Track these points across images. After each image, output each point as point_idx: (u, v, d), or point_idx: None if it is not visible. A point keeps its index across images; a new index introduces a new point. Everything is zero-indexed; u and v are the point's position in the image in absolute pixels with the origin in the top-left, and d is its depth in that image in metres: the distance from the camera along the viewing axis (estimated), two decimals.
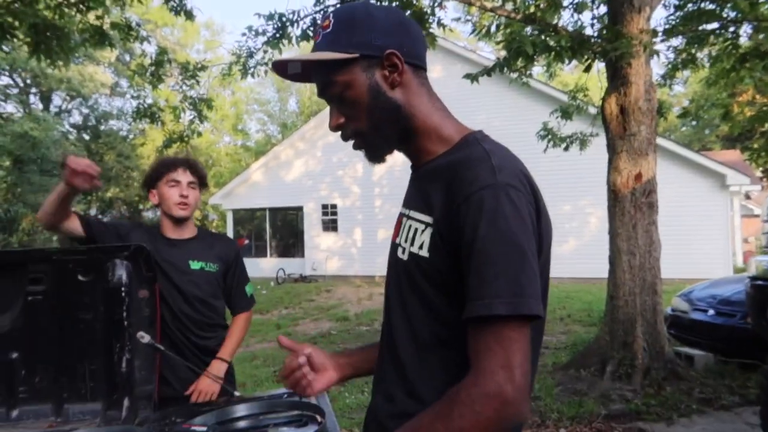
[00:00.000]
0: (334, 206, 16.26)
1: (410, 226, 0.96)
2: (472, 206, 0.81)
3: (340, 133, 1.00)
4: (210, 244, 2.22)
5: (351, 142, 1.01)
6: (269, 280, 15.41)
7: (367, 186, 15.76)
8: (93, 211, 27.13)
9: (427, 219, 0.90)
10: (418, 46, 0.98)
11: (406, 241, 0.96)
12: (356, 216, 15.97)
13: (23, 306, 1.80)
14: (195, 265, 2.14)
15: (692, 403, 4.24)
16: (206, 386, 2.07)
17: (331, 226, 16.32)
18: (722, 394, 4.41)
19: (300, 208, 16.95)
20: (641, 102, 5.00)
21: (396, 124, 0.96)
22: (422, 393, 0.91)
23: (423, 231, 0.91)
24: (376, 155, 1.02)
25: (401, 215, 1.03)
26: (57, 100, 24.15)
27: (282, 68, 0.99)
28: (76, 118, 25.22)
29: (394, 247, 1.02)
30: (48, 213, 1.88)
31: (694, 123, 24.58)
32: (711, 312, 5.42)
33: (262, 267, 16.60)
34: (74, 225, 2.00)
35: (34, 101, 23.20)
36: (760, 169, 16.81)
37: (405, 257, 0.95)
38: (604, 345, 5.12)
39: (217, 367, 2.12)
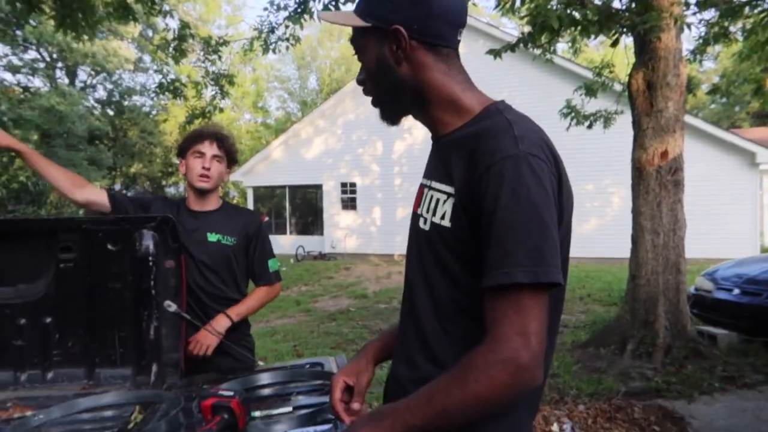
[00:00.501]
0: (353, 184, 16.27)
1: (432, 197, 0.97)
2: (494, 176, 0.82)
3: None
4: (231, 218, 2.22)
5: (365, 94, 1.06)
6: (289, 258, 15.58)
7: (387, 164, 15.71)
8: (117, 187, 27.62)
9: (449, 189, 0.91)
10: (434, 24, 0.95)
11: (427, 211, 0.97)
12: (375, 194, 15.97)
13: (55, 273, 1.85)
14: (212, 237, 2.14)
15: (714, 381, 4.21)
16: (202, 337, 2.05)
17: (350, 204, 16.36)
18: (745, 373, 4.37)
19: (319, 186, 17.00)
20: (669, 77, 4.86)
21: (402, 96, 0.99)
22: (444, 359, 0.93)
23: (445, 201, 0.92)
24: (387, 117, 1.06)
25: (422, 186, 1.04)
26: (82, 75, 24.41)
27: (325, 17, 1.05)
28: (101, 93, 25.49)
29: (416, 217, 1.03)
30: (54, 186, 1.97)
31: (723, 100, 23.86)
32: (736, 291, 5.34)
33: (281, 244, 16.77)
34: (101, 200, 2.05)
35: (60, 76, 23.49)
36: None
37: (426, 227, 0.96)
38: (624, 324, 5.09)
39: (219, 322, 2.10)
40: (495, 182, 0.81)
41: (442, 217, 0.92)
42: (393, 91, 1.00)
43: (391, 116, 1.05)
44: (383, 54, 0.97)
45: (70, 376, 1.89)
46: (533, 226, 0.79)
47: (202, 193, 2.16)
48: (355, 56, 1.04)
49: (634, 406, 3.74)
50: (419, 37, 0.94)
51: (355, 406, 1.08)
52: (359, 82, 1.05)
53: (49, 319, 1.86)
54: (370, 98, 1.06)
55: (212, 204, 2.22)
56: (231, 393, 1.32)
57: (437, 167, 0.99)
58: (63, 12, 5.24)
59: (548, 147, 0.88)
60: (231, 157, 2.21)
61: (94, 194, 2.05)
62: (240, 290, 2.24)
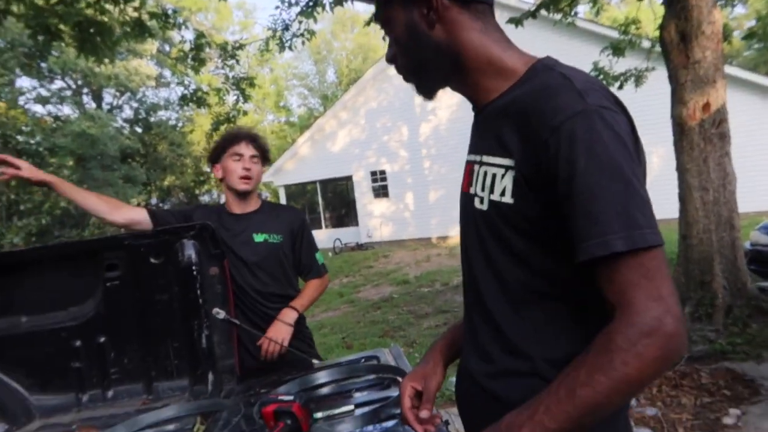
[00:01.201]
0: (383, 172, 16.23)
1: (486, 173, 0.87)
2: (564, 138, 0.73)
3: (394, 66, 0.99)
4: (274, 216, 2.22)
5: (398, 72, 1.00)
6: (326, 251, 15.68)
7: (414, 148, 15.60)
8: (153, 201, 28.33)
9: (507, 162, 0.82)
10: None
11: (483, 189, 0.88)
12: (406, 180, 15.89)
13: (103, 292, 1.86)
14: (259, 237, 2.14)
15: None
16: (276, 330, 2.04)
17: (381, 192, 16.32)
18: None
19: (349, 178, 17.02)
20: (704, 26, 4.60)
21: (440, 63, 0.91)
22: (524, 348, 0.85)
23: (503, 175, 0.82)
24: (423, 91, 0.99)
25: (471, 163, 0.95)
26: (108, 97, 25.03)
27: None
28: (127, 112, 26.10)
29: (468, 198, 0.94)
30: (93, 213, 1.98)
31: (759, 45, 22.74)
32: None
33: (318, 239, 16.51)
34: (142, 218, 2.04)
35: (87, 101, 24.14)
36: None
37: (484, 207, 0.87)
38: (679, 286, 4.89)
39: (288, 314, 2.10)
40: (566, 145, 0.72)
41: (502, 194, 0.83)
42: (428, 60, 0.92)
43: (428, 88, 0.98)
44: (413, 20, 0.90)
45: (130, 392, 1.91)
46: (618, 187, 0.71)
47: (243, 195, 2.16)
48: (384, 33, 0.97)
49: (701, 371, 3.59)
50: None
51: (423, 414, 1.00)
52: (389, 59, 0.98)
53: (103, 338, 1.88)
54: (401, 77, 0.99)
55: (253, 205, 2.21)
56: (291, 397, 1.29)
57: (486, 139, 0.90)
58: (82, 37, 5.34)
59: (615, 97, 0.79)
60: (266, 155, 2.21)
61: (134, 213, 2.05)
62: (293, 286, 2.25)
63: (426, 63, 0.93)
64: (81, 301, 1.88)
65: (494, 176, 0.85)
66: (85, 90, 23.66)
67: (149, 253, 1.89)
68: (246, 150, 2.12)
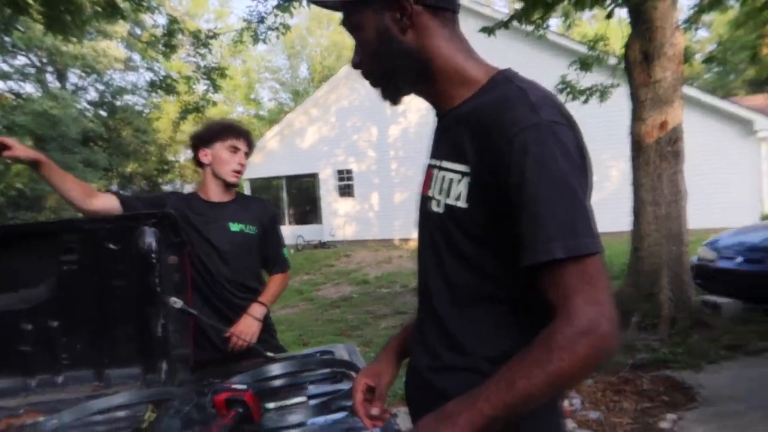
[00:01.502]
0: (349, 171, 16.22)
1: (443, 177, 0.92)
2: (516, 149, 0.77)
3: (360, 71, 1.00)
4: (247, 207, 2.24)
5: (364, 77, 1.01)
6: (288, 248, 15.51)
7: (382, 150, 15.65)
8: (114, 187, 27.52)
9: (463, 168, 0.86)
10: None
11: (440, 192, 0.92)
12: (372, 180, 15.93)
13: (59, 275, 1.84)
14: (235, 227, 2.15)
15: (720, 350, 4.23)
16: (246, 326, 2.08)
17: (347, 191, 16.32)
18: (750, 340, 4.38)
19: (316, 175, 16.94)
20: (666, 47, 4.82)
21: (409, 69, 0.93)
22: (466, 346, 0.90)
23: (459, 181, 0.87)
24: (389, 96, 1.00)
25: (431, 167, 1.00)
26: (73, 77, 24.17)
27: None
28: (92, 94, 25.26)
29: (426, 200, 0.98)
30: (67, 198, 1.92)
31: (718, 69, 23.71)
32: (738, 259, 5.34)
33: None
34: (113, 205, 2.02)
35: (51, 80, 23.26)
36: None
37: (440, 209, 0.92)
38: (628, 297, 5.10)
39: (257, 309, 2.14)
40: (518, 155, 0.77)
41: (457, 198, 0.87)
42: (397, 65, 0.93)
43: (395, 94, 0.99)
44: (385, 25, 0.91)
45: (80, 379, 1.88)
46: (563, 198, 0.76)
47: (227, 186, 2.18)
48: (352, 38, 0.98)
49: (642, 377, 3.76)
50: (423, 1, 0.90)
51: (374, 411, 1.04)
52: (356, 65, 0.99)
53: (55, 323, 1.85)
54: (367, 81, 1.01)
55: (230, 195, 2.23)
56: (244, 386, 1.31)
57: (446, 145, 0.94)
58: (50, 14, 5.18)
59: (566, 112, 0.84)
60: (250, 153, 2.25)
61: (106, 201, 2.01)
62: (258, 279, 2.27)
63: (395, 68, 0.94)
64: (34, 284, 1.85)
65: (451, 181, 0.89)
66: (50, 68, 22.80)
67: (107, 238, 1.87)
68: (242, 145, 2.15)
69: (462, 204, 0.86)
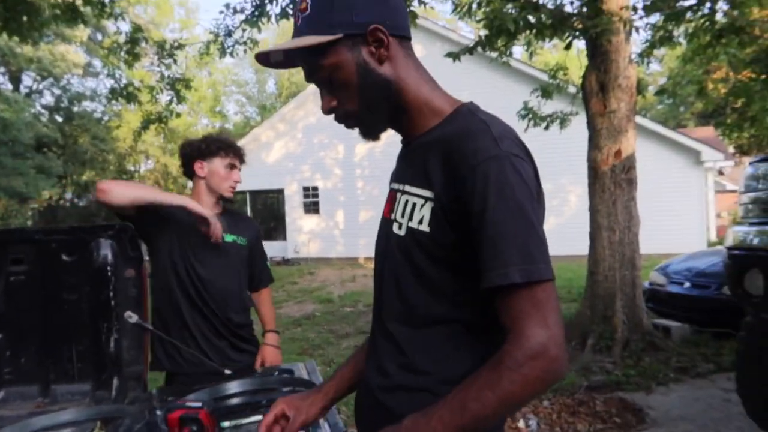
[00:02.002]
0: (315, 188, 16.16)
1: (407, 201, 0.94)
2: (479, 177, 0.81)
3: (333, 115, 0.98)
4: (236, 220, 2.28)
5: (338, 121, 0.99)
6: None
7: (349, 168, 15.68)
8: (68, 195, 26.56)
9: (427, 193, 0.89)
10: (400, 16, 0.95)
11: (402, 216, 0.94)
12: (338, 198, 15.91)
13: (5, 287, 1.77)
14: (228, 237, 2.17)
15: (669, 372, 4.38)
16: (272, 355, 2.25)
17: (312, 208, 16.23)
18: (698, 363, 4.56)
19: (281, 191, 16.81)
20: (621, 79, 5.04)
21: (388, 101, 0.94)
22: (419, 366, 0.91)
23: (423, 205, 0.90)
24: (371, 133, 1.00)
25: (394, 191, 1.02)
26: (27, 80, 23.39)
27: (265, 59, 0.96)
28: (48, 99, 24.48)
29: (388, 223, 1.00)
30: (129, 198, 1.85)
31: (669, 101, 24.90)
32: (687, 284, 5.56)
33: None
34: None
35: (3, 81, 22.44)
36: (733, 144, 17.14)
37: (402, 232, 0.94)
38: (584, 319, 5.23)
39: (273, 337, 2.31)
40: (481, 183, 0.81)
41: (420, 222, 0.90)
42: (377, 98, 0.94)
43: (376, 129, 0.99)
44: (363, 59, 0.91)
45: (24, 395, 1.81)
46: (521, 225, 0.80)
47: (221, 200, 2.21)
48: (323, 83, 0.95)
49: (596, 399, 3.85)
50: (393, 32, 0.92)
51: None
52: (330, 109, 0.96)
53: None
54: (342, 124, 0.99)
55: (219, 207, 2.24)
56: (199, 404, 1.29)
57: (410, 171, 0.97)
58: (6, 14, 5.03)
59: (524, 146, 0.89)
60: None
61: None
62: (247, 292, 2.32)
63: (375, 102, 0.94)
64: None
65: (414, 205, 0.92)
66: (2, 69, 22.01)
67: (61, 249, 1.82)
68: (239, 163, 2.23)
69: (424, 228, 0.89)
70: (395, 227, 0.96)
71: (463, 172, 0.83)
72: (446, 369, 0.90)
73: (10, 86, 22.29)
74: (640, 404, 3.77)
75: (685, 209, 12.59)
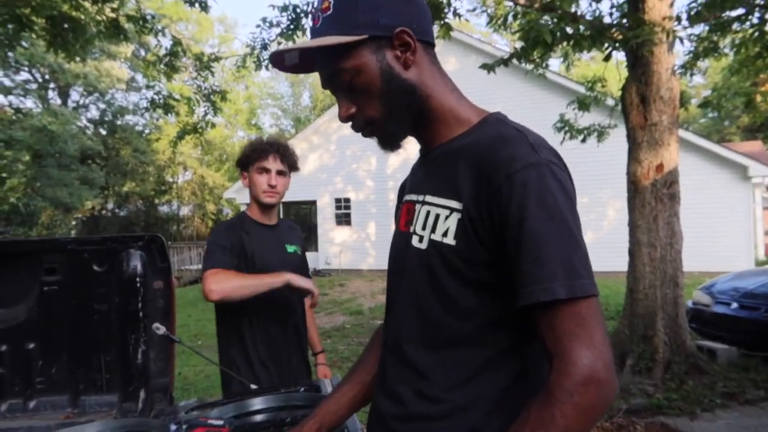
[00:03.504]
0: (347, 200, 16.25)
1: (428, 212, 0.88)
2: (516, 185, 0.75)
3: (350, 123, 0.92)
4: (291, 229, 2.28)
5: (356, 130, 0.94)
6: None
7: (381, 179, 15.71)
8: (110, 205, 27.46)
9: (454, 204, 0.83)
10: (426, 22, 0.91)
11: (423, 228, 0.88)
12: (370, 210, 15.94)
13: (38, 296, 1.78)
14: (290, 248, 2.17)
15: (715, 397, 4.15)
16: (329, 376, 2.26)
17: (344, 219, 16.31)
18: (746, 389, 4.31)
19: (314, 202, 16.96)
20: (663, 91, 4.88)
21: (411, 108, 0.89)
22: (435, 393, 0.85)
23: (448, 217, 0.83)
24: (390, 143, 0.93)
25: (411, 202, 0.96)
26: (74, 95, 24.40)
27: (279, 60, 0.91)
28: (93, 113, 25.47)
29: (406, 236, 0.94)
30: (239, 296, 1.88)
31: (713, 114, 24.13)
32: (734, 305, 5.30)
33: None
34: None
35: (53, 96, 23.46)
36: None
37: (423, 246, 0.88)
38: (623, 339, 5.03)
39: (324, 357, 2.37)
40: (519, 191, 0.75)
41: (444, 234, 0.83)
42: (400, 105, 0.88)
43: (396, 138, 0.93)
44: (387, 63, 0.86)
45: (54, 404, 1.81)
46: (564, 236, 0.74)
47: (267, 208, 2.15)
48: (341, 89, 0.89)
49: (636, 424, 3.67)
50: (420, 37, 0.87)
51: None
52: (347, 117, 0.90)
53: (31, 345, 1.79)
54: (360, 133, 0.94)
55: (275, 216, 2.22)
56: (221, 422, 1.25)
57: (433, 180, 0.91)
58: (54, 32, 5.23)
59: (559, 156, 0.84)
60: (294, 168, 2.19)
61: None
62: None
63: (399, 108, 0.88)
64: (13, 303, 1.79)
65: (437, 216, 0.86)
66: (52, 85, 23.02)
67: (92, 260, 1.83)
68: (273, 165, 2.08)
69: (449, 240, 0.82)
70: (415, 240, 0.90)
71: (498, 180, 0.77)
72: (463, 394, 0.83)
73: (59, 101, 23.30)
74: (684, 430, 3.57)
75: (730, 226, 12.09)
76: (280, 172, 2.11)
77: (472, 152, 0.84)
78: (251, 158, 2.10)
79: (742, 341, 5.07)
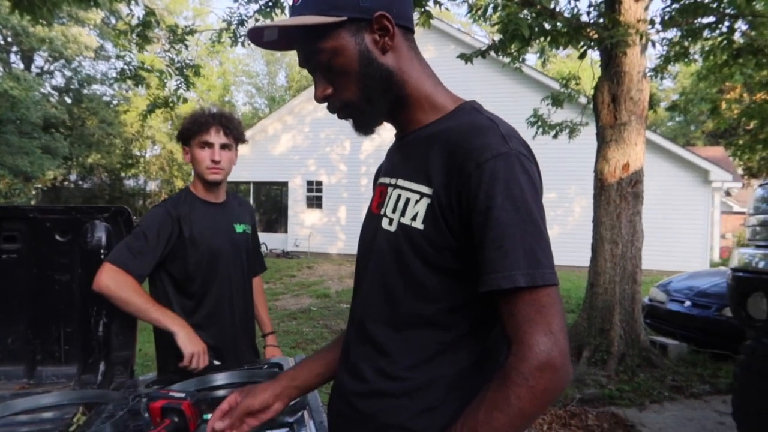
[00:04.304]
0: (319, 183, 16.16)
1: (399, 196, 0.89)
2: (486, 174, 0.77)
3: (326, 104, 0.93)
4: (240, 206, 2.13)
5: (331, 111, 0.94)
6: None
7: (354, 164, 15.67)
8: (73, 177, 26.62)
9: (424, 189, 0.84)
10: (407, 7, 0.91)
11: (393, 211, 0.89)
12: (341, 194, 15.90)
13: None
14: (239, 227, 2.04)
15: (664, 390, 4.33)
16: (275, 355, 2.21)
17: (315, 202, 16.23)
18: (693, 383, 4.51)
19: (285, 184, 16.81)
20: (633, 92, 4.99)
21: (388, 92, 0.89)
22: (395, 371, 0.87)
23: (418, 201, 0.85)
24: (365, 126, 0.94)
25: (384, 185, 0.97)
26: (39, 60, 23.45)
27: (258, 36, 0.90)
28: (59, 80, 24.55)
29: (376, 218, 0.95)
30: (122, 307, 1.73)
31: (680, 118, 24.82)
32: (687, 303, 5.51)
33: None
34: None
35: (15, 60, 22.49)
36: (742, 166, 17.06)
37: (392, 228, 0.89)
38: (581, 331, 5.19)
39: (275, 338, 2.30)
40: (488, 181, 0.77)
41: (413, 218, 0.85)
42: (376, 89, 0.89)
43: (370, 123, 0.94)
44: (366, 47, 0.86)
45: (9, 375, 1.78)
46: (529, 227, 0.76)
47: (213, 185, 1.98)
48: (317, 70, 0.89)
49: (588, 412, 3.80)
50: (399, 21, 0.88)
51: (218, 425, 1.02)
52: (324, 97, 0.91)
53: None
54: (335, 114, 0.94)
55: (223, 193, 2.05)
56: (182, 394, 1.25)
57: (404, 165, 0.92)
58: None
59: (529, 147, 0.85)
60: (240, 140, 2.00)
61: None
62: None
63: (375, 92, 0.89)
64: None
65: (408, 200, 0.87)
66: (15, 48, 22.04)
67: (55, 229, 1.79)
68: (215, 138, 1.90)
69: (418, 225, 0.84)
70: (384, 222, 0.91)
71: (469, 168, 0.78)
72: (425, 373, 0.85)
73: (21, 65, 22.34)
74: (633, 420, 3.72)
75: (689, 228, 12.52)
76: (224, 146, 1.92)
77: (445, 139, 0.85)
78: (192, 131, 1.91)
79: (693, 337, 5.29)
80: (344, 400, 0.94)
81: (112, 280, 1.69)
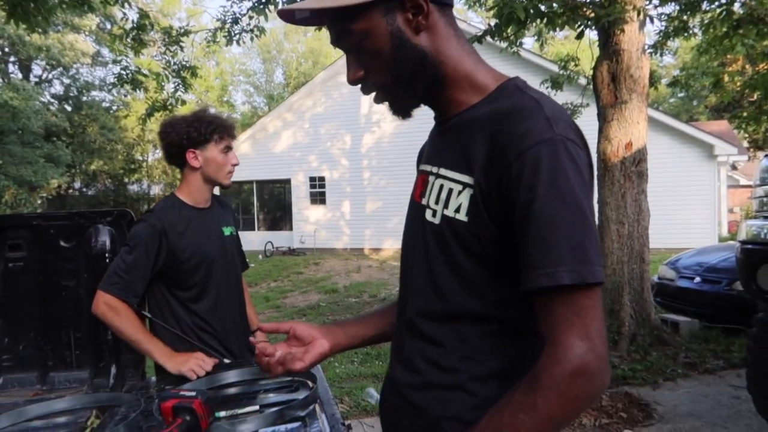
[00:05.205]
0: (322, 178, 16.15)
1: (442, 186, 0.85)
2: (528, 163, 0.72)
3: (360, 86, 0.90)
4: (223, 208, 2.09)
5: (365, 93, 0.91)
6: (257, 254, 15.37)
7: (356, 158, 15.65)
8: (77, 184, 26.73)
9: (466, 179, 0.80)
10: None
11: (437, 202, 0.86)
12: (344, 188, 15.89)
13: (3, 272, 1.74)
14: (227, 230, 2.01)
15: (677, 367, 4.32)
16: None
17: (319, 198, 16.23)
18: (707, 359, 4.50)
19: (288, 181, 16.81)
20: (633, 70, 4.94)
21: (423, 74, 0.85)
22: (451, 363, 0.84)
23: (460, 192, 0.81)
24: (401, 109, 0.90)
25: (425, 173, 0.93)
26: (37, 69, 23.52)
27: (289, 15, 0.88)
28: (57, 88, 24.62)
29: (420, 208, 0.91)
30: (117, 333, 1.73)
31: (682, 94, 24.62)
32: (697, 279, 5.49)
33: (250, 240, 16.53)
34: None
35: (13, 70, 22.57)
36: (747, 139, 16.93)
37: (436, 220, 0.85)
38: None
39: (263, 335, 2.13)
40: (530, 170, 0.72)
41: (457, 210, 0.81)
42: (410, 71, 0.84)
43: (407, 105, 0.90)
44: (398, 27, 0.82)
45: (22, 382, 1.79)
46: (575, 220, 0.71)
47: (218, 189, 1.96)
48: (351, 50, 0.87)
49: (602, 394, 3.80)
50: None
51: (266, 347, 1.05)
52: (356, 79, 0.88)
53: None
54: (371, 97, 0.91)
55: (210, 197, 2.00)
56: (193, 393, 1.25)
57: (447, 152, 0.87)
58: (13, 1, 4.99)
59: (579, 130, 0.78)
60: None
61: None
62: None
63: (409, 75, 0.85)
64: None
65: (450, 191, 0.84)
66: (12, 58, 22.09)
67: (60, 235, 1.80)
68: (234, 142, 1.90)
69: (462, 217, 0.80)
70: (429, 214, 0.88)
71: (510, 156, 0.73)
72: (476, 367, 0.83)
73: (20, 75, 22.40)
74: (647, 399, 3.72)
75: (696, 203, 12.45)
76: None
77: (487, 124, 0.80)
78: (214, 135, 1.84)
79: (704, 314, 5.27)
80: (397, 393, 0.93)
81: (106, 307, 1.68)
